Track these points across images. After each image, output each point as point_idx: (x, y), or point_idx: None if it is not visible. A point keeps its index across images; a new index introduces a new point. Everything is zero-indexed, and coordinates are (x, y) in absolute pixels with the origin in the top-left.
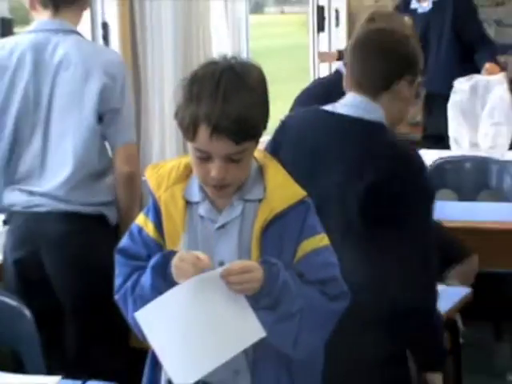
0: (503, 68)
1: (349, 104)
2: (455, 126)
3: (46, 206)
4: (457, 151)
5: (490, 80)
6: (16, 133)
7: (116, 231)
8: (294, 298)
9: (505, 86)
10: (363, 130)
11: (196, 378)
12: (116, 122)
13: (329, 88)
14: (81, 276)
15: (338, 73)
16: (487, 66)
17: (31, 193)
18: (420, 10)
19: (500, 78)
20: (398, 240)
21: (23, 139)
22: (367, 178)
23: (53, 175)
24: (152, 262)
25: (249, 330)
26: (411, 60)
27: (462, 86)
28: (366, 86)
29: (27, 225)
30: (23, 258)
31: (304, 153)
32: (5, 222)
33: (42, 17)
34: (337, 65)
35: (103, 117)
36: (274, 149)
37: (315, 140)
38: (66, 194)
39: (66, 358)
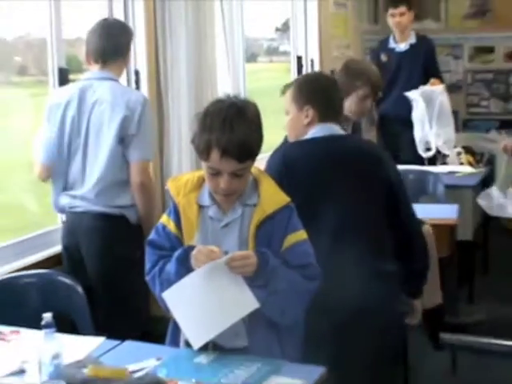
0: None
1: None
2: (422, 132)
3: (82, 207)
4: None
5: (434, 91)
6: (68, 153)
7: (138, 229)
8: (280, 279)
9: (445, 95)
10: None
11: (207, 339)
12: (133, 143)
13: None
14: (104, 261)
15: None
16: (432, 80)
17: (74, 197)
18: (397, 50)
19: (441, 88)
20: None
21: (71, 157)
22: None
23: (87, 183)
24: (176, 254)
25: (246, 302)
26: None
27: (415, 95)
28: None
29: (71, 221)
30: (69, 246)
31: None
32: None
33: (93, 69)
34: None
35: (124, 140)
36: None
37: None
38: (95, 198)
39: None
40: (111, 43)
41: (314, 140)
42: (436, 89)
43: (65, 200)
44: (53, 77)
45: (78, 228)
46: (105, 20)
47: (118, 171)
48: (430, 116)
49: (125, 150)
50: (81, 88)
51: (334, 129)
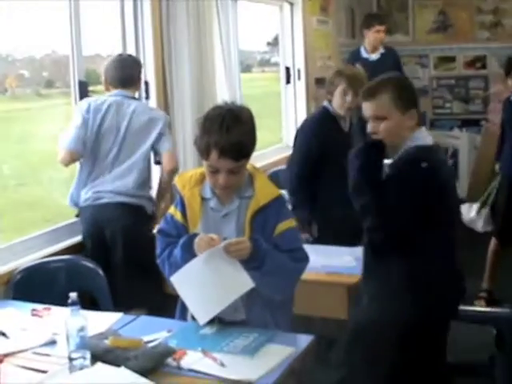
0: None
1: None
2: None
3: (106, 198)
4: None
5: None
6: (97, 155)
7: (151, 219)
8: (272, 261)
9: None
10: None
11: (211, 316)
12: (161, 140)
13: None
14: (125, 243)
15: (324, 108)
16: None
17: (98, 191)
18: (370, 59)
19: None
20: None
21: (102, 156)
22: None
23: (116, 180)
24: (181, 241)
25: (243, 282)
26: None
27: None
28: None
29: (94, 212)
30: (94, 233)
31: None
32: (77, 215)
33: (113, 91)
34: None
35: (156, 142)
36: None
37: None
38: (131, 191)
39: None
40: (126, 74)
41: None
42: None
43: (87, 195)
44: (74, 89)
45: (102, 217)
46: (120, 55)
47: (147, 170)
48: None
49: (156, 145)
50: (115, 100)
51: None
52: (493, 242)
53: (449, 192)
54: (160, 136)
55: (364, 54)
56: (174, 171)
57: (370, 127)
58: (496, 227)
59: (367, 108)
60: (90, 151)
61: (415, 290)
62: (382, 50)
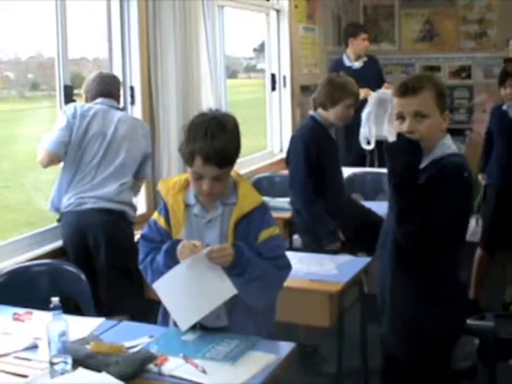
0: None
1: None
2: (366, 128)
3: (89, 203)
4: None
5: (388, 93)
6: (81, 160)
7: (132, 225)
8: (254, 268)
9: None
10: None
11: (193, 323)
12: (146, 163)
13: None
14: (108, 250)
15: (312, 118)
16: (386, 84)
17: (81, 197)
18: (353, 67)
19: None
20: None
21: (85, 161)
22: None
23: (99, 185)
24: (164, 247)
25: (225, 289)
26: None
27: (371, 99)
28: None
29: (77, 218)
30: (76, 238)
31: None
32: (58, 220)
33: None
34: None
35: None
36: None
37: None
38: (115, 197)
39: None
40: (106, 89)
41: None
42: (390, 91)
43: (69, 201)
44: (59, 92)
45: (84, 222)
46: (100, 72)
47: (130, 176)
48: (382, 115)
49: (142, 166)
50: (102, 108)
51: None
52: (478, 251)
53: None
54: (146, 157)
55: (347, 63)
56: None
57: (407, 125)
58: (482, 238)
59: (408, 104)
60: (73, 156)
61: (448, 302)
62: (364, 59)
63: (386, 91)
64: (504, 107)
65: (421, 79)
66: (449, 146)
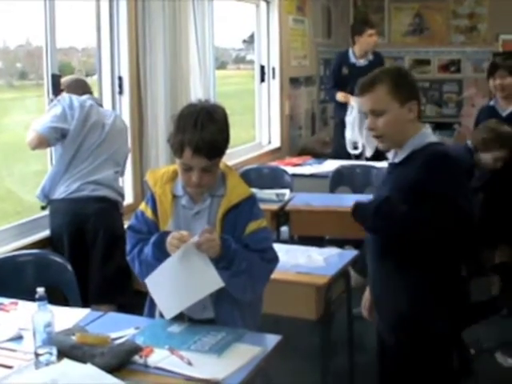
0: None
1: None
2: (352, 133)
3: (86, 191)
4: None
5: None
6: (81, 146)
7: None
8: (241, 261)
9: None
10: None
11: (177, 312)
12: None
13: None
14: (105, 237)
15: None
16: None
17: (80, 184)
18: (358, 64)
19: None
20: None
21: (84, 150)
22: None
23: (97, 171)
24: (152, 239)
25: (212, 281)
26: None
27: (354, 103)
28: None
29: (74, 205)
30: (71, 226)
31: None
32: (43, 208)
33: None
34: None
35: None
36: None
37: None
38: (111, 185)
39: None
40: (89, 88)
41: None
42: None
43: (69, 186)
44: (47, 81)
45: (81, 209)
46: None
47: (122, 167)
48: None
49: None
50: (93, 103)
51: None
52: None
53: None
54: (127, 157)
55: (352, 59)
56: None
57: (368, 123)
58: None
59: (364, 103)
60: (71, 144)
61: (447, 301)
62: (370, 57)
63: None
64: (491, 103)
65: (375, 76)
66: (429, 135)
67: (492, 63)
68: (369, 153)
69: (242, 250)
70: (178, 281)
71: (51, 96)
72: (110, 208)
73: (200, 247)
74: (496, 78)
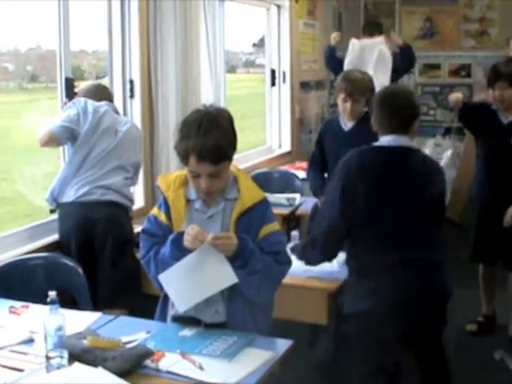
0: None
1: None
2: None
3: (96, 195)
4: None
5: (374, 41)
6: (91, 151)
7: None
8: (257, 261)
9: (385, 46)
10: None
11: (191, 305)
12: None
13: None
14: (114, 242)
15: None
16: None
17: (89, 188)
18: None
19: (381, 39)
20: None
21: (95, 153)
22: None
23: (107, 176)
24: (171, 237)
25: (227, 277)
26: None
27: (354, 46)
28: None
29: (83, 209)
30: (79, 230)
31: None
32: (52, 211)
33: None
34: None
35: None
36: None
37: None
38: (120, 190)
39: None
40: (108, 95)
41: None
42: (376, 40)
43: (78, 190)
44: (60, 85)
45: (90, 213)
46: (98, 82)
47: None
48: (367, 62)
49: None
50: (109, 109)
51: None
52: (481, 266)
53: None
54: (140, 166)
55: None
56: None
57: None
58: (469, 251)
59: None
60: (82, 148)
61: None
62: None
63: (372, 40)
64: (494, 106)
65: None
66: None
67: (493, 71)
68: None
69: (258, 250)
70: (194, 276)
71: (64, 99)
72: (119, 213)
73: (217, 244)
74: (496, 89)
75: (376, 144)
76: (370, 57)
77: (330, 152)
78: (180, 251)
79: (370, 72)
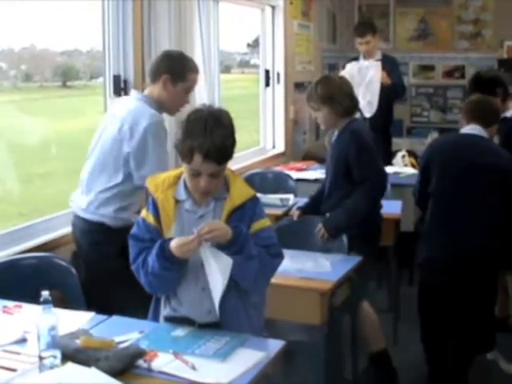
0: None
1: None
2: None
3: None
4: None
5: (371, 64)
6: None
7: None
8: (252, 246)
9: (379, 70)
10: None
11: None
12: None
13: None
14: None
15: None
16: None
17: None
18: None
19: (376, 63)
20: None
21: (100, 162)
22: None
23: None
24: (155, 251)
25: (225, 263)
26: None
27: (352, 67)
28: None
29: (73, 220)
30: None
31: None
32: None
33: None
34: None
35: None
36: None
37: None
38: (97, 207)
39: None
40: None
41: None
42: (372, 63)
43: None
44: (108, 82)
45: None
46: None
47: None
48: (359, 82)
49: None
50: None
51: None
52: None
53: None
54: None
55: (360, 60)
56: None
57: None
58: None
59: None
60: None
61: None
62: (378, 56)
63: (369, 62)
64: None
65: None
66: None
67: (475, 79)
68: (368, 113)
69: (252, 239)
70: (213, 272)
71: (112, 96)
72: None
73: (210, 235)
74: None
75: None
76: (364, 78)
77: None
78: (170, 262)
79: (362, 89)
